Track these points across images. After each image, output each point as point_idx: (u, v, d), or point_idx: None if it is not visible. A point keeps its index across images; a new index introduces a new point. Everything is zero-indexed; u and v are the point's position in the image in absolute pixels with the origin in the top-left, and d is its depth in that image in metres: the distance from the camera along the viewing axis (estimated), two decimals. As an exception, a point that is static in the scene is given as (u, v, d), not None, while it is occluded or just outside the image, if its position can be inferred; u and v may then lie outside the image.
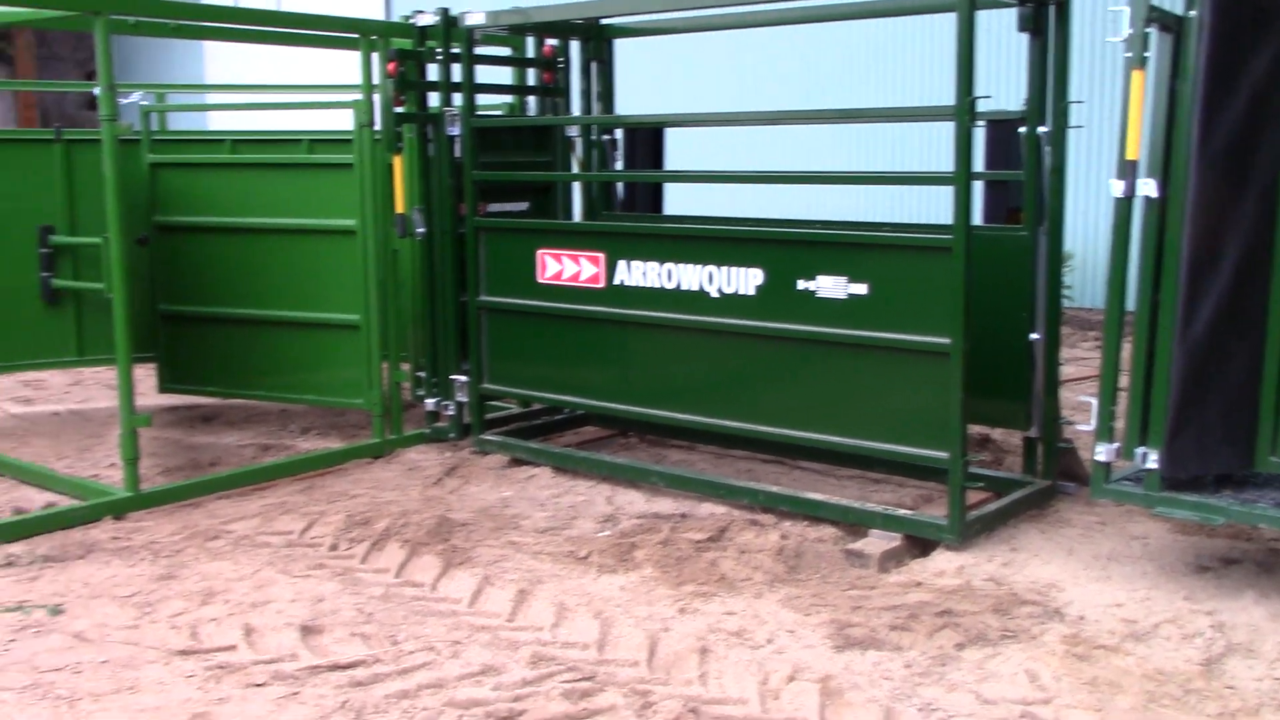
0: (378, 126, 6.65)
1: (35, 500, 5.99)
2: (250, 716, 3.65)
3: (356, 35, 6.65)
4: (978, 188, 5.79)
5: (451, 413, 6.93)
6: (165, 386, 7.60)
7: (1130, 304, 4.61)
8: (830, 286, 5.35)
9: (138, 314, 6.83)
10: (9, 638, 4.25)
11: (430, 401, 7.01)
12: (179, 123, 15.78)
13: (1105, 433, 4.66)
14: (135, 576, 4.87)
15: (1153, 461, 4.54)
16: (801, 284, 5.43)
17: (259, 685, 3.87)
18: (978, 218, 5.75)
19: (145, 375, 7.64)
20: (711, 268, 5.74)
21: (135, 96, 8.38)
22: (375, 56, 6.62)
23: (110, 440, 6.83)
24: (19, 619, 4.43)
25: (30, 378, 9.03)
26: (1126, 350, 4.65)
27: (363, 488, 6.15)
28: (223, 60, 18.21)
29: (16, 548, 5.20)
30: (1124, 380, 4.65)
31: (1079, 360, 9.27)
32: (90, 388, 8.94)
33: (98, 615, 4.46)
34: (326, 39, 7.23)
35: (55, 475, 6.29)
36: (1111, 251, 4.61)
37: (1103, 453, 4.66)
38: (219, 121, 16.98)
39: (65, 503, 5.86)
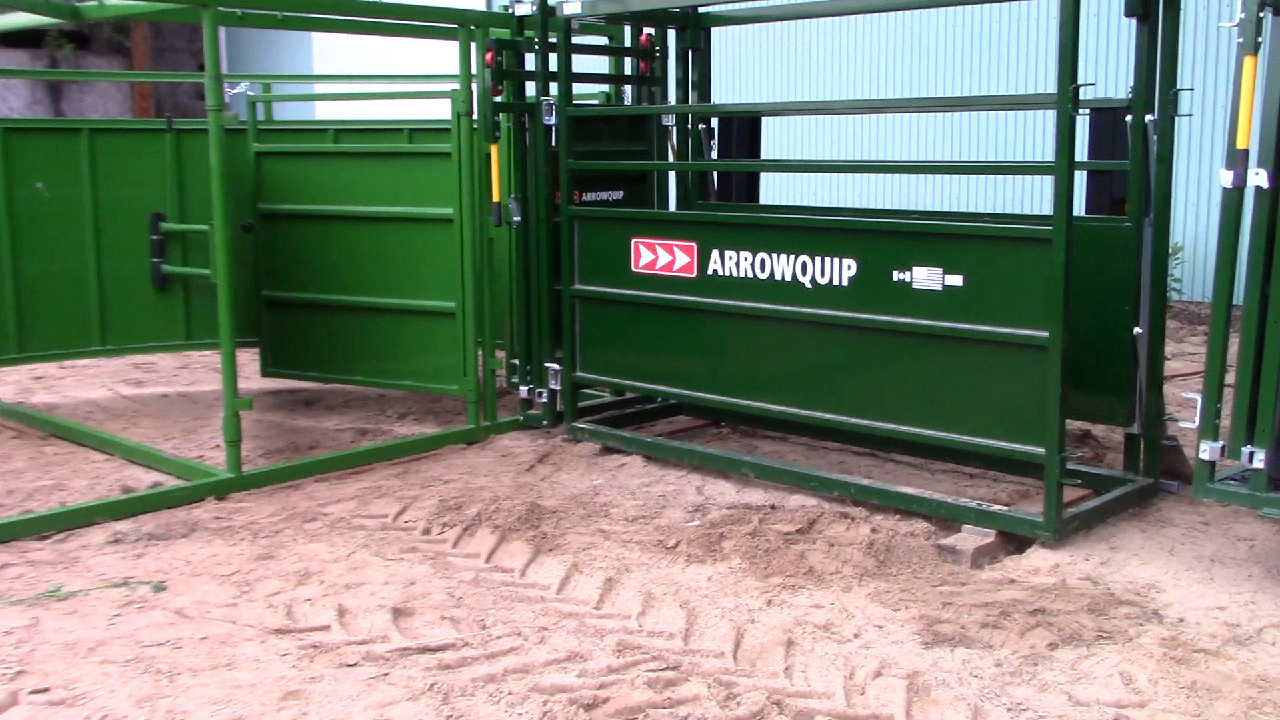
0: (475, 116, 6.71)
1: (142, 479, 6.18)
2: (341, 696, 3.72)
3: (455, 25, 6.72)
4: (1081, 178, 5.65)
5: (545, 400, 6.99)
6: (267, 371, 7.78)
7: (1239, 298, 4.46)
8: (925, 277, 5.27)
9: (242, 299, 7.04)
10: (114, 612, 4.39)
11: (524, 389, 7.08)
12: (287, 112, 16.12)
13: (1210, 430, 4.52)
14: (235, 556, 5.00)
15: (1259, 461, 4.39)
16: (896, 275, 5.36)
17: (350, 665, 3.94)
18: (1080, 208, 5.62)
19: (249, 360, 7.85)
20: (805, 258, 5.69)
21: (243, 87, 8.61)
22: (474, 46, 6.69)
23: (215, 422, 7.01)
24: (124, 594, 4.58)
25: (141, 360, 9.34)
26: (1235, 345, 4.50)
27: (456, 473, 6.23)
28: (330, 51, 18.53)
29: (124, 525, 5.37)
30: (1231, 376, 4.51)
31: (1186, 355, 9.00)
32: (197, 371, 9.20)
33: (198, 593, 4.59)
34: (426, 29, 7.33)
35: (162, 455, 6.48)
36: (1220, 244, 4.46)
37: (1207, 451, 4.52)
38: (325, 111, 17.31)
39: (171, 482, 6.05)
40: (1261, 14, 4.27)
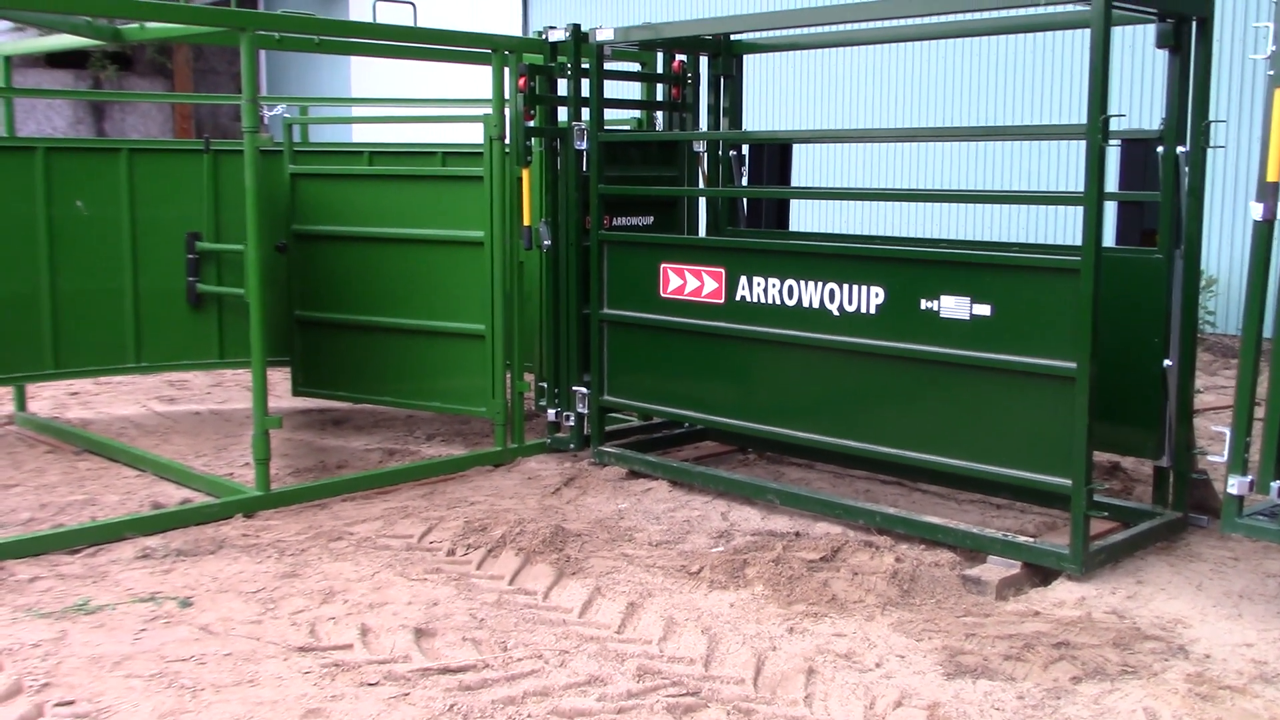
0: (507, 140, 6.77)
1: (173, 495, 6.25)
2: (362, 715, 3.74)
3: (489, 50, 6.78)
4: (1111, 208, 5.63)
5: (572, 424, 7.01)
6: (298, 390, 7.85)
7: (1269, 330, 4.43)
8: (953, 307, 5.27)
9: (274, 319, 7.10)
10: (140, 627, 4.44)
11: (551, 412, 7.10)
12: (323, 135, 16.29)
13: (1239, 464, 4.48)
14: (261, 573, 5.04)
15: (1288, 496, 4.35)
16: (924, 303, 5.36)
17: (371, 684, 3.96)
18: (1110, 239, 5.59)
19: (280, 379, 7.92)
20: (833, 285, 5.70)
21: (280, 109, 8.71)
22: (507, 71, 6.75)
23: (245, 440, 7.07)
24: (151, 609, 4.63)
25: (175, 377, 9.45)
26: (1265, 380, 4.46)
27: (482, 495, 6.26)
28: (368, 75, 18.75)
29: (153, 540, 5.43)
30: (1261, 410, 4.47)
31: (1219, 389, 8.92)
32: (230, 389, 9.29)
33: (224, 609, 4.63)
34: (461, 54, 7.42)
35: (192, 472, 6.55)
36: (1250, 276, 4.44)
37: (1235, 485, 4.48)
38: (362, 134, 17.48)
39: (200, 499, 6.11)
40: (1293, 47, 4.25)
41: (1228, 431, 4.52)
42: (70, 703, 3.81)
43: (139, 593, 4.81)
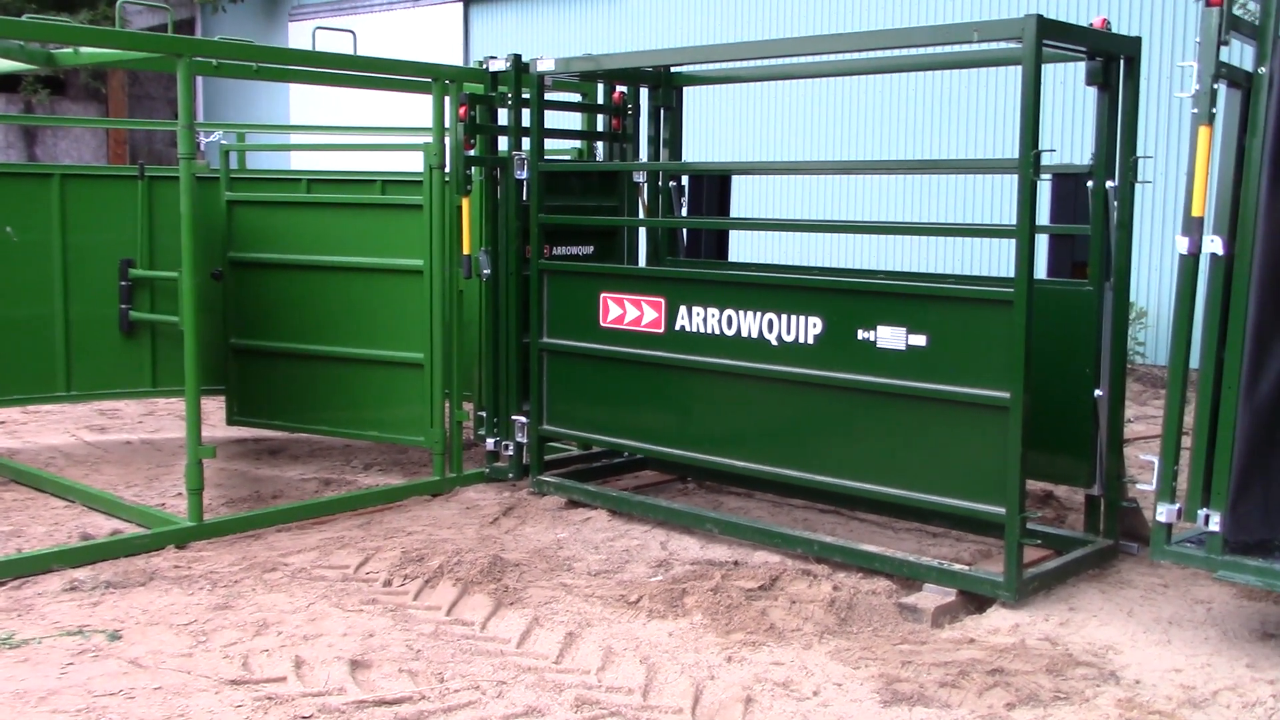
0: (448, 168, 6.76)
1: (103, 526, 6.12)
2: (295, 748, 3.69)
3: (430, 79, 6.78)
4: (1042, 241, 5.74)
5: (511, 453, 6.98)
6: (234, 419, 7.75)
7: (1195, 362, 4.53)
8: (890, 337, 5.33)
9: (209, 347, 7.01)
10: (67, 661, 4.34)
11: (490, 441, 7.07)
12: (260, 162, 16.14)
13: (1167, 493, 4.57)
14: (193, 605, 4.95)
15: (1215, 524, 4.44)
16: (861, 334, 5.42)
17: (305, 718, 3.90)
18: (1042, 271, 5.70)
19: (215, 408, 7.81)
20: (771, 315, 5.74)
21: (216, 136, 8.64)
22: (447, 100, 6.75)
23: (178, 470, 6.96)
24: (78, 643, 4.52)
25: (106, 406, 9.28)
26: (1193, 409, 4.56)
27: (420, 525, 6.21)
28: (307, 101, 18.64)
29: (81, 573, 5.31)
30: (1189, 440, 4.56)
31: (1149, 418, 9.09)
32: (163, 418, 9.15)
33: (154, 642, 4.54)
34: (401, 82, 7.39)
35: (122, 503, 6.43)
36: (1176, 309, 4.54)
37: (1164, 513, 4.57)
38: (300, 161, 17.36)
39: (131, 530, 6.00)
40: (1216, 85, 4.38)
41: (1156, 460, 4.61)
42: (-7, 739, 3.72)
43: (66, 626, 4.71)
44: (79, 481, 6.94)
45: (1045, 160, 4.96)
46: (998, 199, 12.18)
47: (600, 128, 7.46)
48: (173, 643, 4.54)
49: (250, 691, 4.10)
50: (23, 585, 5.20)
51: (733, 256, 7.76)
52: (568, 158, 7.97)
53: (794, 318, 5.66)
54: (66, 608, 4.92)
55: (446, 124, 6.75)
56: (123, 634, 4.62)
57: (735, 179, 7.73)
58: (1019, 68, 4.92)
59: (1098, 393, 5.46)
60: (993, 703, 4.05)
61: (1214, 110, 4.39)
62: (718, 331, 5.96)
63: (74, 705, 3.96)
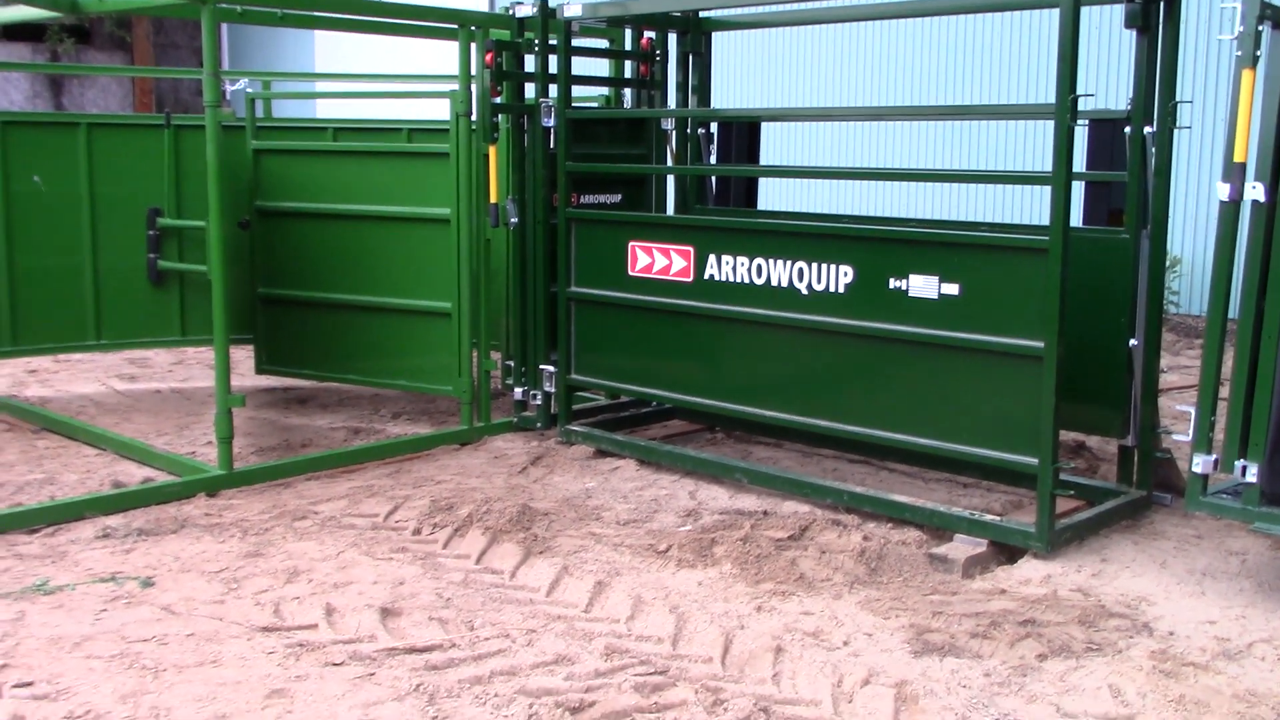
0: (474, 116, 6.70)
1: (134, 475, 6.17)
2: (326, 695, 3.71)
3: (455, 25, 6.71)
4: (1079, 189, 5.64)
5: (539, 402, 6.97)
6: (262, 368, 7.76)
7: (1235, 311, 4.46)
8: (922, 286, 5.27)
9: (237, 296, 7.01)
10: (100, 607, 4.38)
11: (518, 391, 7.06)
12: (286, 110, 16.10)
13: (1203, 443, 4.51)
14: (224, 553, 4.98)
15: (1252, 475, 4.39)
16: (893, 283, 5.35)
17: (336, 664, 3.93)
18: (1078, 219, 5.61)
19: (244, 357, 7.84)
20: (801, 264, 5.68)
21: (242, 84, 8.59)
22: (474, 47, 6.68)
23: (208, 419, 6.99)
24: (111, 589, 4.56)
25: (136, 355, 9.32)
26: (1230, 359, 4.49)
27: (449, 474, 6.22)
28: (332, 49, 18.54)
29: (114, 520, 5.36)
30: (1226, 390, 4.50)
31: (1182, 368, 9.00)
32: (192, 367, 9.19)
33: (186, 589, 4.57)
34: (427, 29, 7.32)
35: (154, 451, 6.47)
36: (1216, 257, 4.46)
37: (1200, 464, 4.51)
38: (326, 109, 17.30)
39: (162, 478, 6.03)
40: (1260, 27, 4.26)
41: (1193, 411, 4.55)
42: (29, 684, 3.75)
43: (99, 573, 4.74)
44: (110, 430, 6.99)
45: (1082, 105, 4.86)
46: (1032, 147, 12.01)
47: (628, 74, 7.38)
48: (205, 590, 4.57)
49: (282, 638, 4.13)
50: (56, 532, 5.25)
51: (762, 205, 7.69)
52: (595, 105, 7.89)
53: (825, 266, 5.60)
54: (99, 554, 4.96)
55: (473, 71, 6.68)
56: (155, 581, 4.66)
57: (765, 126, 7.63)
58: (1055, 11, 4.81)
59: (1133, 342, 5.39)
60: (1024, 654, 4.03)
61: (1258, 53, 4.28)
62: (747, 280, 5.90)
63: (108, 651, 4.00)
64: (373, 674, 3.85)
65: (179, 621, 4.27)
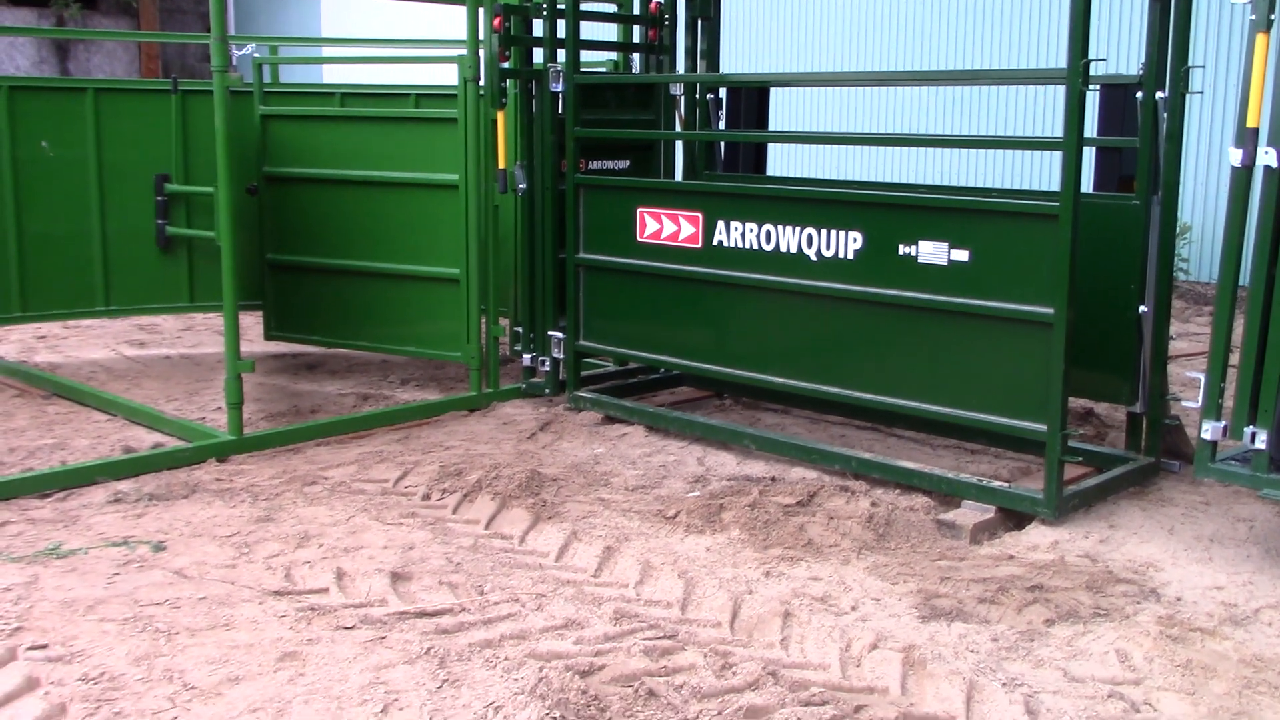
0: (482, 81, 6.67)
1: (144, 440, 6.19)
2: (338, 658, 3.74)
3: (463, -10, 6.67)
4: (1089, 154, 5.61)
5: (547, 369, 6.98)
6: (271, 334, 7.78)
7: (1245, 278, 4.44)
8: (931, 252, 5.25)
9: (246, 262, 7.01)
10: (113, 571, 4.41)
11: (527, 357, 7.07)
12: (294, 75, 16.05)
13: (1213, 410, 4.50)
14: (235, 517, 5.01)
15: (1261, 442, 4.38)
16: (902, 249, 5.34)
17: (348, 628, 3.95)
18: (1089, 185, 5.58)
19: (253, 323, 7.86)
20: (810, 230, 5.67)
21: (249, 49, 8.56)
22: (481, 11, 6.64)
23: (217, 385, 7.01)
24: (124, 554, 4.59)
25: (145, 321, 9.34)
26: (1240, 326, 4.48)
27: (457, 439, 6.24)
28: (339, 14, 18.46)
29: (125, 485, 5.39)
30: (1236, 357, 4.49)
31: (1191, 335, 8.98)
32: (201, 333, 9.21)
33: (198, 553, 4.60)
34: (434, -7, 7.28)
35: (163, 417, 6.49)
36: (1227, 223, 4.44)
37: (1209, 430, 4.51)
38: (332, 75, 17.24)
39: (172, 443, 6.06)
40: (1276, -9, 4.22)
41: (1202, 377, 4.54)
42: (43, 646, 3.78)
43: (111, 537, 4.77)
44: (120, 395, 7.01)
45: (1094, 70, 4.82)
46: (1042, 113, 11.94)
47: (637, 39, 7.34)
48: (216, 554, 4.60)
49: (293, 602, 4.16)
50: (68, 497, 5.28)
51: (771, 171, 7.65)
52: (603, 70, 7.85)
53: (834, 232, 5.58)
54: (111, 519, 4.99)
55: (481, 36, 6.65)
56: (167, 545, 4.69)
57: (774, 92, 7.59)
58: (1070, -27, 4.78)
59: (1142, 309, 5.37)
60: (1032, 619, 4.05)
61: (1272, 17, 4.25)
62: (756, 246, 5.89)
63: (121, 614, 4.03)
64: (384, 638, 3.88)
65: (191, 585, 4.30)
